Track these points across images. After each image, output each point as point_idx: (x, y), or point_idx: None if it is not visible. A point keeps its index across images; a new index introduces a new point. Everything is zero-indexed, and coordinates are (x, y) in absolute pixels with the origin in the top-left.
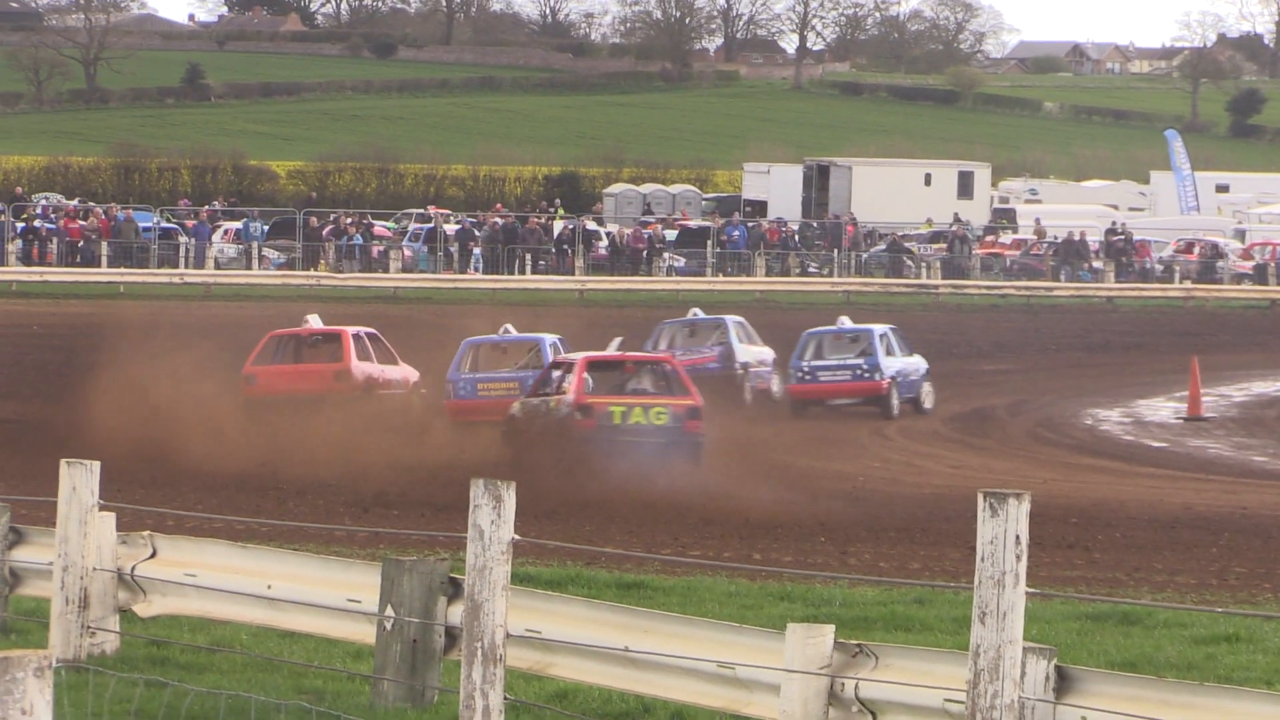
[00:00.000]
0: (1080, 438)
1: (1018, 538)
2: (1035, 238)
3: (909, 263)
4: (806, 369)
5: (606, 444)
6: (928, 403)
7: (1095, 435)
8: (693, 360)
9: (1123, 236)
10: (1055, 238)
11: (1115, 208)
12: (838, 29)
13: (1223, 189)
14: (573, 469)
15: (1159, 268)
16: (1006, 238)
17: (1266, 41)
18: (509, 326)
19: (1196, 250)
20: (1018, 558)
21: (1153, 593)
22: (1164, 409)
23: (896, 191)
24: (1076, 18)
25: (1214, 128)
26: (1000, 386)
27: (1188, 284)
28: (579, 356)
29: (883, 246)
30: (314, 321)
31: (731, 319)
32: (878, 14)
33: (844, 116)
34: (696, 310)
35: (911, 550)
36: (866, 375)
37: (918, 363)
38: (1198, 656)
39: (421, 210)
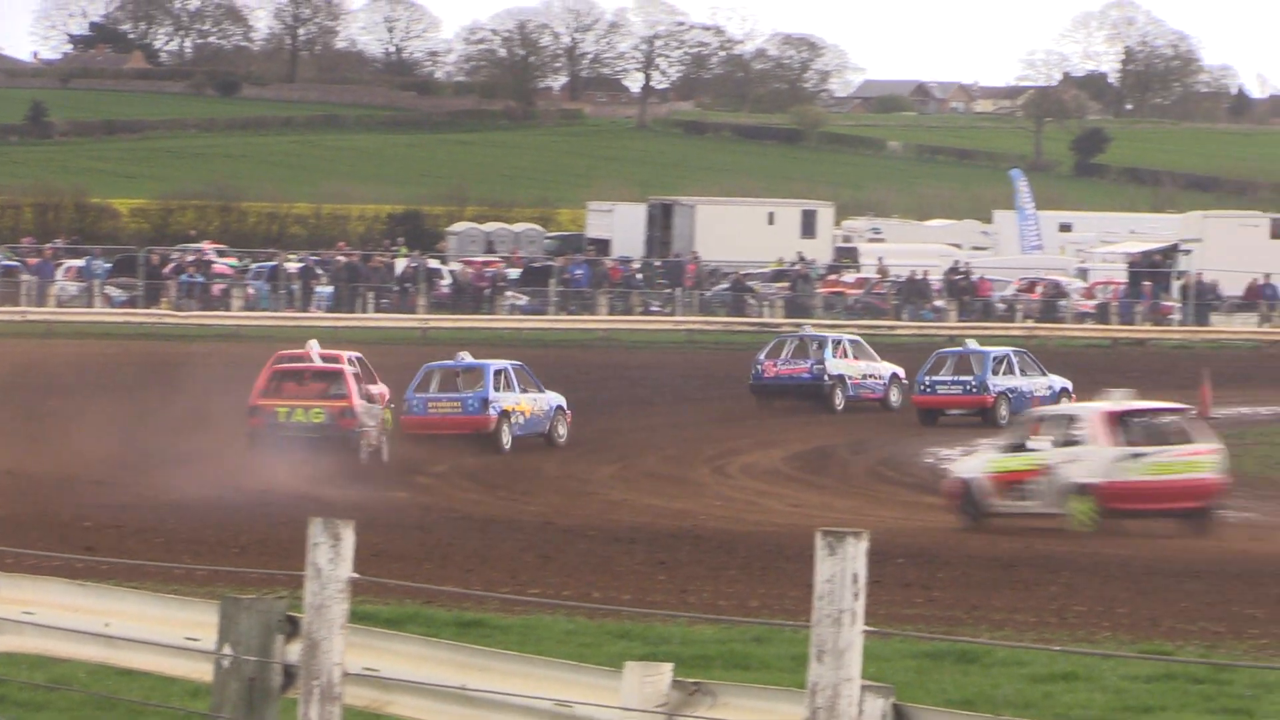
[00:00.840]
0: (921, 476)
1: (856, 576)
2: (878, 276)
3: (751, 301)
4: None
5: (270, 439)
6: None
7: (936, 474)
8: None
9: (964, 275)
10: (898, 276)
11: (958, 246)
12: (682, 68)
13: (1066, 228)
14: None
15: (1001, 306)
16: (849, 276)
17: (1111, 81)
18: (465, 354)
19: (1039, 289)
20: (856, 596)
21: (991, 631)
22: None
23: (740, 230)
24: (921, 57)
25: (1058, 167)
26: (841, 425)
27: (1030, 323)
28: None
29: (725, 285)
30: (314, 347)
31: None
32: (722, 53)
33: (688, 155)
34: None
35: (751, 588)
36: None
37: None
38: (1035, 694)
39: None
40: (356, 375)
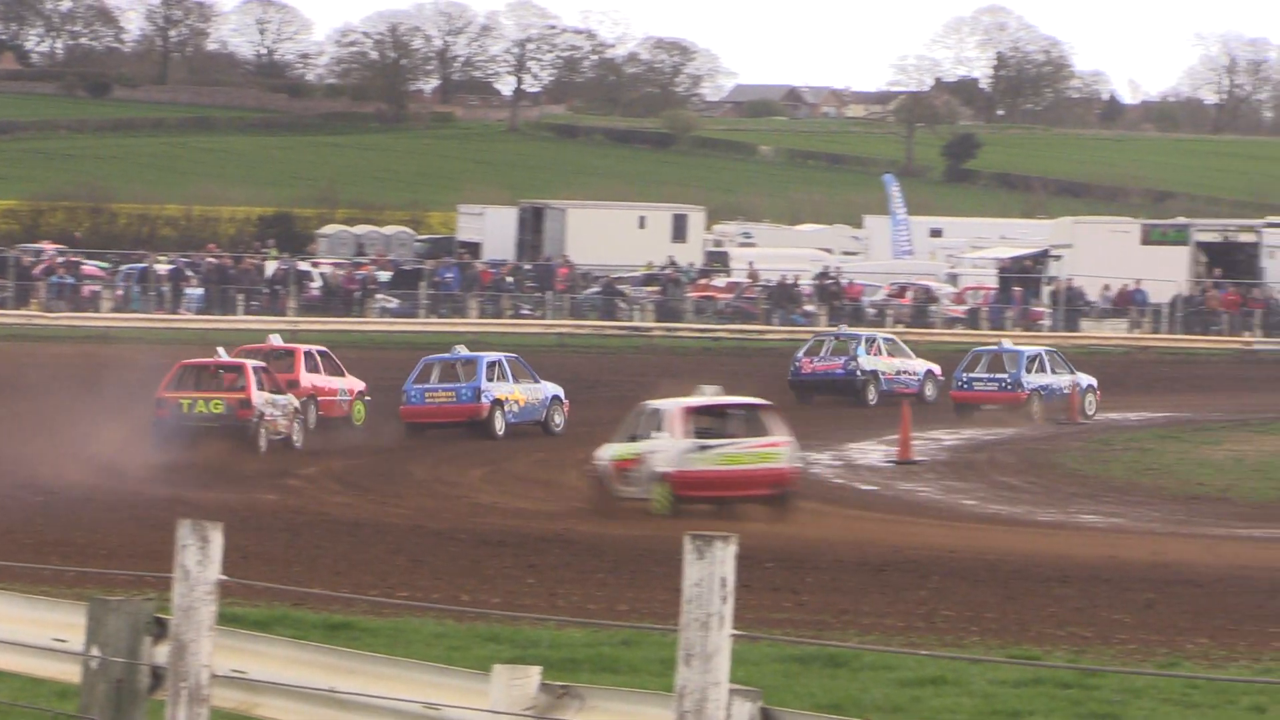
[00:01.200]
0: None
1: (724, 580)
2: (748, 281)
3: (622, 305)
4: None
5: (173, 430)
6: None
7: (805, 478)
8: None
9: (834, 280)
10: (768, 281)
11: (829, 251)
12: (554, 71)
13: (936, 233)
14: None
15: (872, 311)
16: (720, 281)
17: (983, 86)
18: (461, 347)
19: (909, 294)
20: (724, 600)
21: (860, 635)
22: (874, 452)
23: (611, 234)
24: (793, 61)
25: (929, 172)
26: None
27: (900, 327)
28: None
29: (596, 289)
30: (275, 340)
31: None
32: (594, 56)
33: (560, 159)
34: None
35: (620, 592)
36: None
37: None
38: (904, 699)
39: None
40: (265, 371)
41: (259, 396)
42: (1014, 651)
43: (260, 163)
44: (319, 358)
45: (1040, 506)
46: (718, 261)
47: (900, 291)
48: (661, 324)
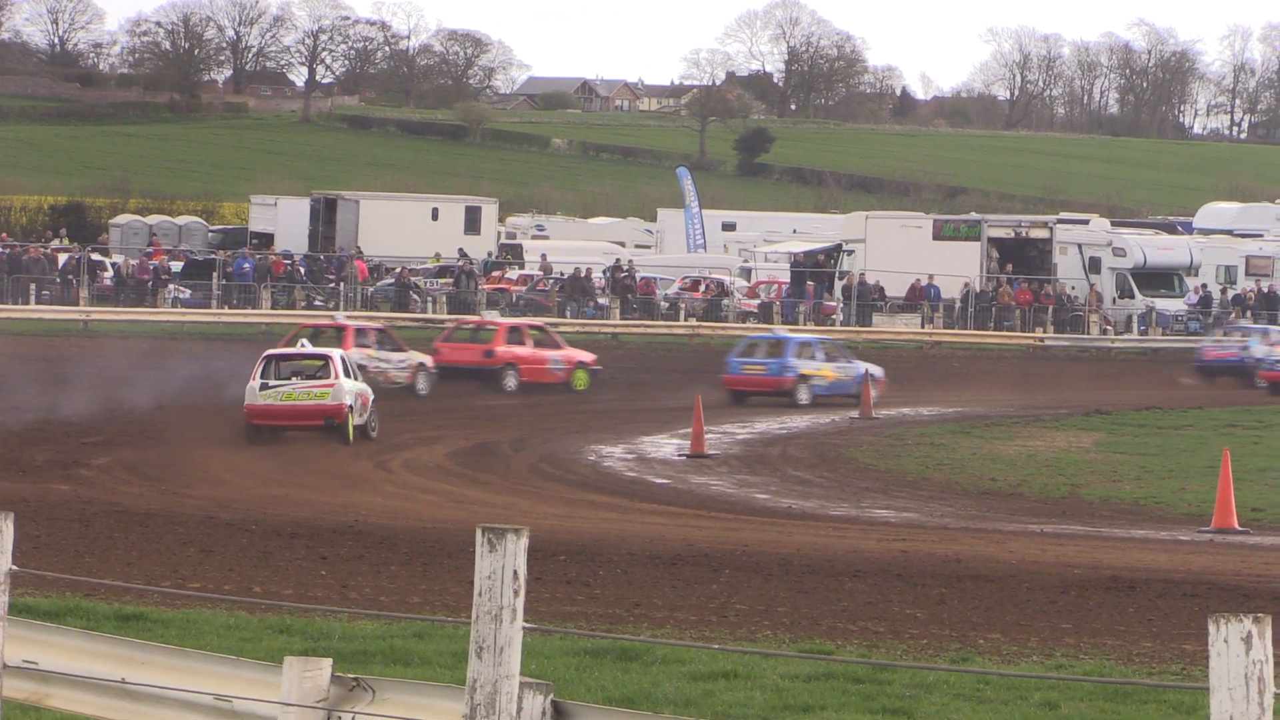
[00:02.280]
0: (584, 474)
1: (516, 573)
2: (541, 273)
3: (415, 297)
4: None
5: None
6: None
7: (599, 471)
8: None
9: (627, 273)
10: (561, 274)
11: (622, 244)
12: (347, 62)
13: (729, 227)
14: None
15: (665, 305)
16: (513, 273)
17: (776, 81)
18: (305, 341)
19: (702, 288)
20: (516, 593)
21: (652, 629)
22: (667, 446)
23: (404, 226)
24: (586, 55)
25: (722, 166)
26: (504, 421)
27: (693, 321)
28: None
29: (389, 280)
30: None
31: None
32: (387, 48)
33: (353, 150)
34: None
35: (412, 584)
36: None
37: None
38: (696, 693)
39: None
40: (384, 331)
41: (355, 353)
42: (806, 646)
43: (52, 152)
44: (526, 332)
45: (833, 501)
46: (511, 254)
47: (693, 285)
48: (454, 315)
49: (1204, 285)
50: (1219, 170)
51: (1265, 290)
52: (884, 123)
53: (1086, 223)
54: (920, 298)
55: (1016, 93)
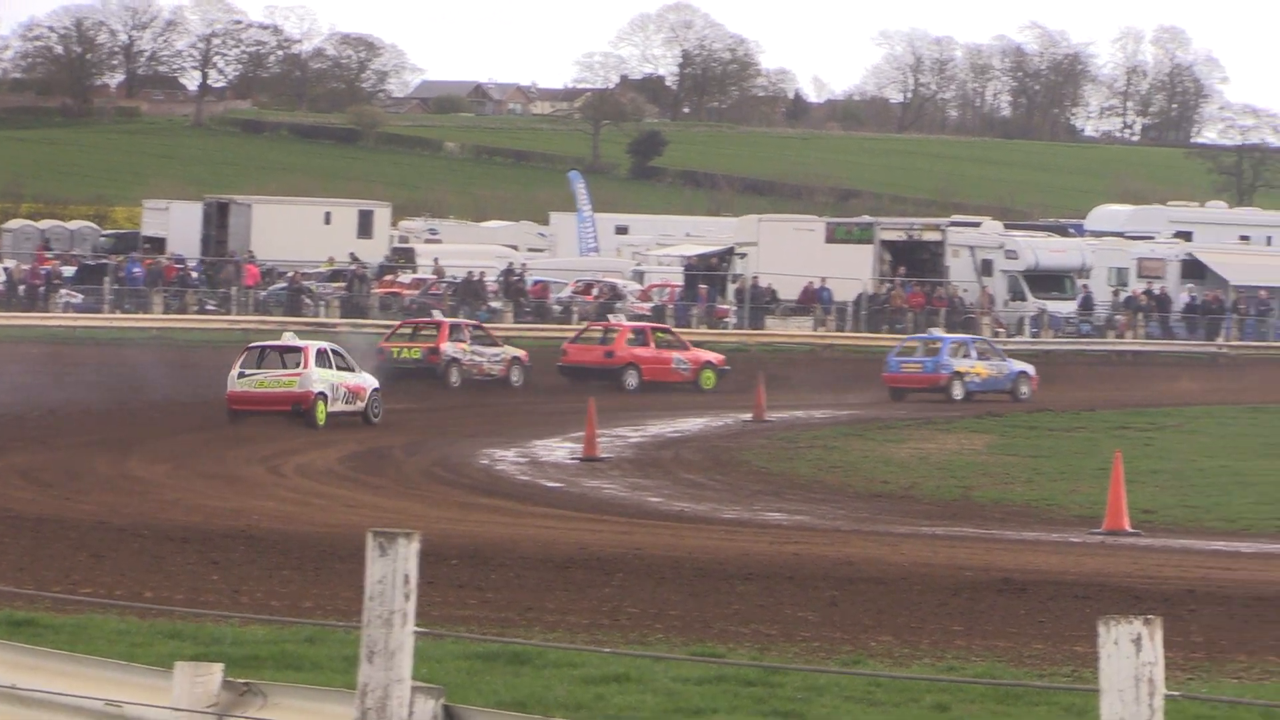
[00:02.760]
0: (476, 477)
1: (407, 577)
2: (434, 277)
3: (308, 301)
4: None
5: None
6: None
7: (491, 475)
8: None
9: (520, 277)
10: (454, 277)
11: (515, 248)
12: (240, 66)
13: (622, 230)
14: None
15: (557, 308)
16: (406, 277)
17: (669, 84)
18: (290, 334)
19: (595, 291)
20: (407, 597)
21: (544, 632)
22: (560, 449)
23: (296, 230)
24: (479, 58)
25: (615, 169)
26: (397, 425)
27: (586, 324)
28: None
29: (282, 285)
30: (292, 338)
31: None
32: (280, 52)
33: (246, 154)
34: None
35: (304, 589)
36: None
37: None
38: (587, 696)
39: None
40: (479, 327)
41: (449, 346)
42: (697, 649)
43: None
44: (650, 334)
45: (725, 504)
46: (403, 257)
47: (586, 288)
48: (347, 320)
49: (1085, 286)
50: (1111, 173)
51: (1157, 292)
52: (777, 126)
53: (979, 225)
54: (813, 300)
55: (909, 95)
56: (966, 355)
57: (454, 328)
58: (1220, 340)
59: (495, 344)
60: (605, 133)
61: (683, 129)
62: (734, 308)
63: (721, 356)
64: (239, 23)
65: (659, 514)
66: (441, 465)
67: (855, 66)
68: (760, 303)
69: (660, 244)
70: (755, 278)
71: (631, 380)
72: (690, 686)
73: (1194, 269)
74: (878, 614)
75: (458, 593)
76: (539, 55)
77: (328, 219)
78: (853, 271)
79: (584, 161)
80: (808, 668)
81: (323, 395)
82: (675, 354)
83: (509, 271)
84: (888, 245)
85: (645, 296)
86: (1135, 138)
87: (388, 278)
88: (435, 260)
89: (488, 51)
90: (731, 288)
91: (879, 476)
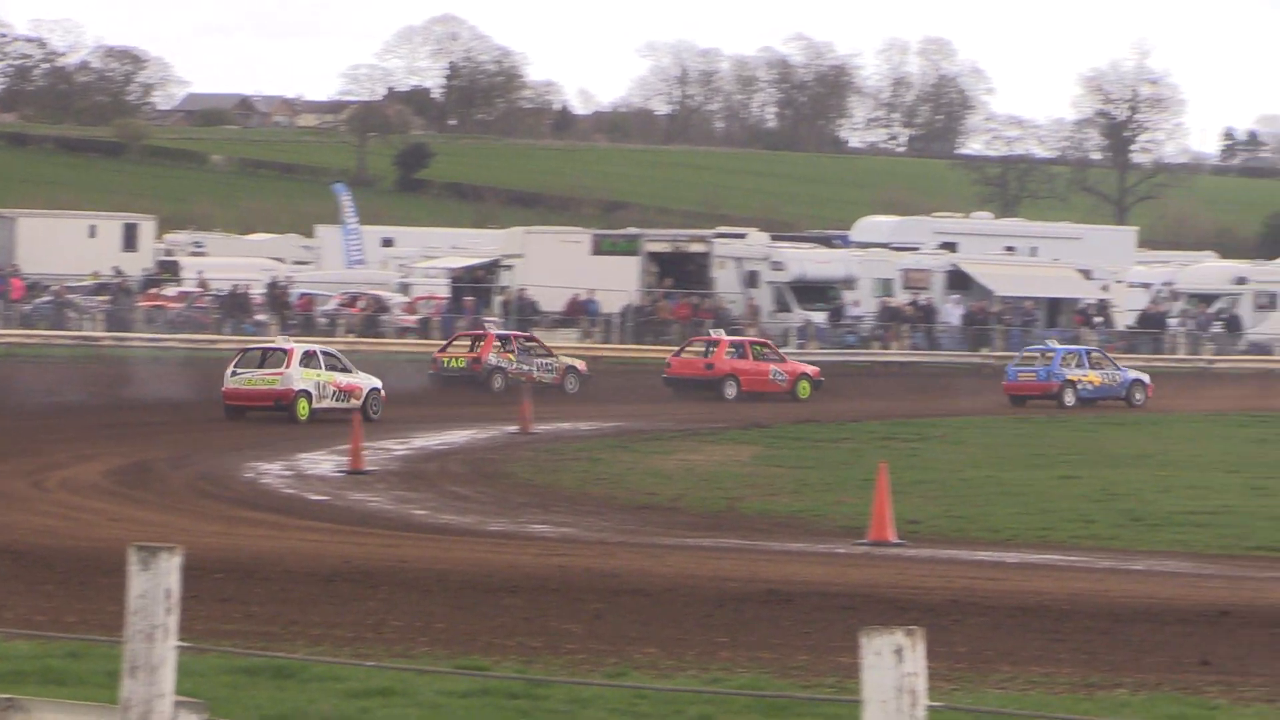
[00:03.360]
0: (241, 491)
1: (169, 592)
2: (199, 290)
3: (72, 315)
4: None
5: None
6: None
7: (256, 489)
8: None
9: (285, 289)
10: (219, 290)
11: (281, 261)
12: (4, 80)
13: (389, 243)
14: None
15: (323, 320)
16: (171, 290)
17: (435, 96)
18: (284, 337)
19: (361, 303)
20: (169, 611)
21: (309, 646)
22: (326, 462)
23: (61, 243)
24: (245, 71)
25: (381, 182)
26: (162, 438)
27: (352, 337)
28: None
29: (47, 298)
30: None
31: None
32: (45, 65)
33: (10, 168)
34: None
35: (68, 604)
36: None
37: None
38: (351, 710)
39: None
40: (530, 338)
41: (493, 356)
42: (462, 662)
43: None
44: (748, 347)
45: (491, 516)
46: (168, 271)
47: (352, 301)
48: (112, 333)
49: (841, 297)
50: (876, 184)
51: (923, 303)
52: (544, 138)
53: (745, 237)
54: (579, 312)
55: (676, 107)
56: (1079, 364)
57: (501, 339)
58: (985, 351)
59: (549, 354)
60: (371, 145)
61: (449, 141)
62: (500, 320)
63: (816, 368)
64: (3, 36)
65: (425, 527)
66: (206, 479)
67: (622, 78)
68: (526, 315)
69: (426, 256)
70: (522, 290)
71: (730, 390)
72: (455, 700)
73: (959, 280)
74: (643, 626)
75: (222, 607)
76: (305, 68)
77: (92, 232)
78: (619, 283)
79: (350, 174)
80: (572, 680)
81: (305, 393)
82: (772, 366)
83: (274, 284)
84: (654, 257)
85: (411, 309)
86: (901, 149)
87: (152, 291)
88: (200, 273)
89: (254, 64)
90: (498, 300)
91: (645, 488)
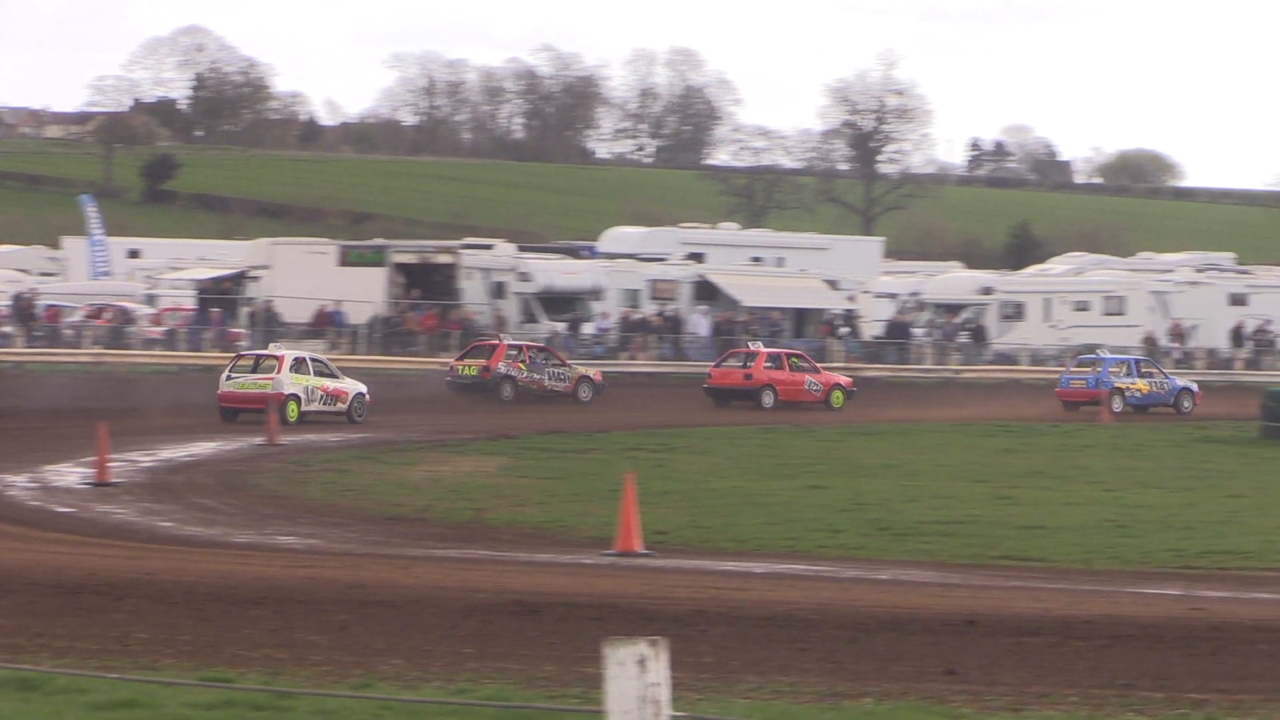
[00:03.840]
0: None
1: None
2: None
3: None
4: None
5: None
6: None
7: (1, 501)
8: None
9: (30, 301)
10: None
11: (26, 272)
12: None
13: (134, 254)
14: None
15: (69, 333)
16: None
17: (181, 107)
18: (276, 344)
19: (107, 315)
20: None
21: (54, 659)
22: (72, 474)
23: None
24: None
25: (128, 193)
26: None
27: (98, 349)
28: None
29: None
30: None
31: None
32: None
33: None
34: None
35: None
36: None
37: None
38: None
39: None
40: (542, 350)
41: (503, 365)
42: (207, 674)
43: None
44: (785, 359)
45: (237, 528)
46: None
47: (97, 313)
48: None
49: (589, 308)
50: (624, 194)
51: (670, 313)
52: (290, 149)
53: (491, 248)
54: (326, 323)
55: (423, 118)
56: (1128, 373)
57: (511, 348)
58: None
59: (561, 364)
60: (118, 156)
61: (196, 152)
62: (247, 331)
63: (849, 379)
64: None
65: (171, 539)
66: None
67: (369, 89)
68: (273, 326)
69: (173, 268)
70: (269, 301)
71: (768, 400)
72: (200, 712)
73: (706, 290)
74: (389, 637)
75: None
76: (51, 79)
77: None
78: (366, 294)
79: (96, 185)
80: (317, 691)
81: (294, 397)
82: (808, 377)
83: (20, 296)
84: (401, 268)
85: (157, 320)
86: (649, 160)
87: None
88: None
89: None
90: (244, 311)
91: (392, 499)
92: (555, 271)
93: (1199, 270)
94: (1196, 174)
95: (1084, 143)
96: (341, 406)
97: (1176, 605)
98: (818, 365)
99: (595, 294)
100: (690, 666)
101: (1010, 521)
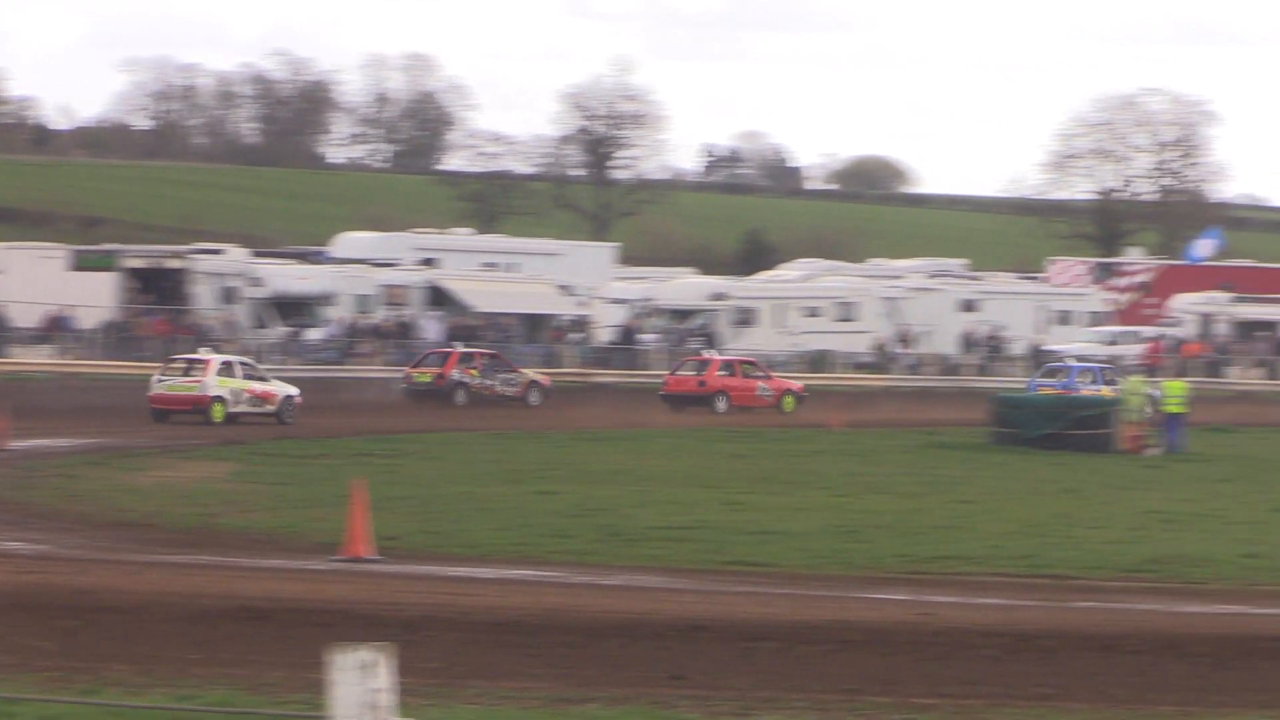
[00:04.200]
0: None
1: None
2: None
3: None
4: None
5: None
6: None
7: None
8: None
9: None
10: None
11: None
12: None
13: None
14: None
15: None
16: None
17: None
18: (206, 348)
19: None
20: None
21: None
22: None
23: None
24: None
25: None
26: None
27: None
28: None
29: None
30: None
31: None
32: None
33: None
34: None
35: None
36: None
37: None
38: None
39: None
40: (494, 356)
41: (456, 372)
42: None
43: None
44: (738, 366)
45: None
46: None
47: None
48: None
49: (321, 313)
50: (358, 199)
51: (401, 319)
52: (22, 153)
53: (222, 253)
54: (56, 329)
55: (156, 123)
56: (1094, 381)
57: (463, 355)
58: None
59: (512, 370)
60: None
61: None
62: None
63: (800, 385)
64: None
65: None
66: None
67: (103, 93)
68: (3, 330)
69: None
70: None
71: (721, 405)
72: None
73: (439, 296)
74: (117, 643)
75: None
76: None
77: None
78: (97, 299)
79: None
80: (42, 698)
81: (220, 399)
82: (760, 383)
83: None
84: (133, 273)
85: None
86: (383, 165)
87: None
88: None
89: None
90: None
91: (121, 505)
92: (287, 277)
93: (930, 276)
94: (929, 181)
95: (818, 149)
96: (270, 408)
97: (905, 610)
98: (770, 372)
99: (327, 299)
100: (418, 672)
101: (740, 527)
